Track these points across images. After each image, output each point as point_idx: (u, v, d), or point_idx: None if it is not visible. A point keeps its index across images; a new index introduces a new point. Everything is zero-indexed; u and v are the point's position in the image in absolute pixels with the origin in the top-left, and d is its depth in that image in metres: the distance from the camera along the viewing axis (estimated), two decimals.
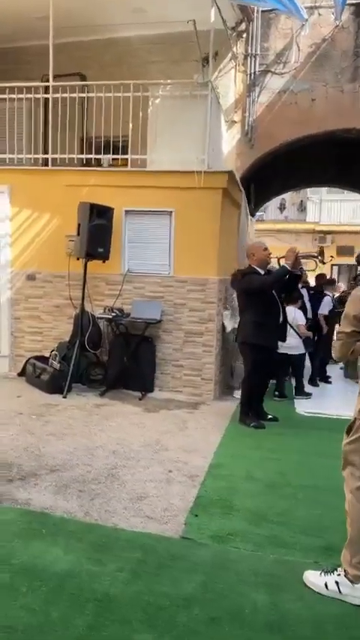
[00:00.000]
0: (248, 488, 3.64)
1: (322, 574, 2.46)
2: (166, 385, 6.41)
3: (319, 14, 7.21)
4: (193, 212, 6.15)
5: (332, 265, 20.42)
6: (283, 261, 4.85)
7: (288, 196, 21.60)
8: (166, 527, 3.02)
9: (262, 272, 5.01)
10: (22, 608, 2.21)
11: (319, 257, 5.19)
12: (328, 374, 8.16)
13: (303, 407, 6.11)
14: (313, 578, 2.47)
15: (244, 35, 7.47)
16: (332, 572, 2.44)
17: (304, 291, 7.54)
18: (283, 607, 2.33)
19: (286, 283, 4.91)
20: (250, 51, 7.47)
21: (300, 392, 6.83)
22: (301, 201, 23.17)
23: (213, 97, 6.29)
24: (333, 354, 2.63)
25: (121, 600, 2.31)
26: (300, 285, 7.72)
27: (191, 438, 4.72)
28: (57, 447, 4.22)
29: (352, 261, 22.28)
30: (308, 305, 7.48)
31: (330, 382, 8.05)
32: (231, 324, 6.55)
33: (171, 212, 6.26)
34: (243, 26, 7.50)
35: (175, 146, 6.24)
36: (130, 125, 6.30)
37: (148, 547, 2.77)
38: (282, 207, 23.06)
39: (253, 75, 7.51)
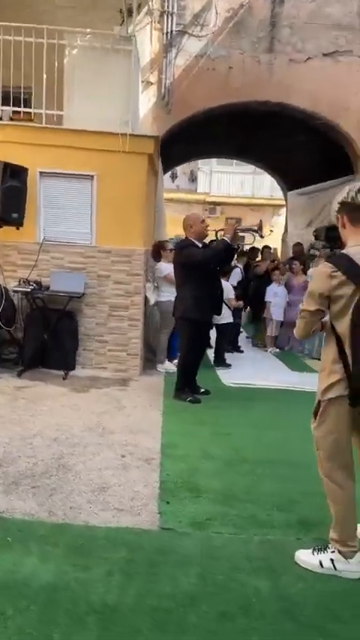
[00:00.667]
0: (208, 467, 3.56)
1: (315, 552, 2.45)
2: (89, 362, 6.08)
3: None
4: (116, 177, 5.77)
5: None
6: (220, 234, 4.74)
7: (179, 165, 21.58)
8: (141, 519, 2.83)
9: (200, 245, 4.86)
10: (16, 635, 1.91)
11: (259, 231, 5.18)
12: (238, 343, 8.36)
13: (228, 378, 6.16)
14: (306, 557, 2.46)
15: None
16: (325, 549, 2.44)
17: None
18: (287, 592, 2.29)
19: (223, 256, 4.83)
20: (166, 8, 7.09)
21: (220, 362, 6.92)
22: (192, 171, 23.28)
23: (135, 54, 5.88)
24: (295, 333, 2.52)
25: (123, 608, 2.10)
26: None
27: (132, 418, 4.52)
28: None
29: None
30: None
31: (242, 351, 8.26)
32: (154, 296, 6.37)
33: (92, 176, 5.82)
34: None
35: (95, 104, 5.75)
36: (45, 76, 5.66)
37: (132, 543, 2.56)
38: (174, 176, 22.93)
39: (169, 34, 7.16)
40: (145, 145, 5.76)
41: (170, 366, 6.48)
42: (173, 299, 6.28)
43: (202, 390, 5.31)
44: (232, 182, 23.18)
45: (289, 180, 11.43)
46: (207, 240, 5.35)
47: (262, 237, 6.74)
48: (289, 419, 4.73)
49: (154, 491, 3.16)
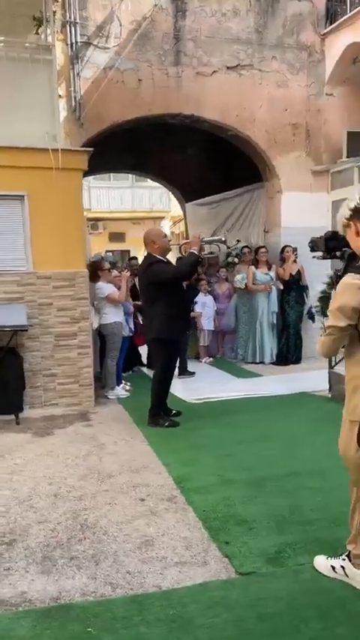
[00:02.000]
0: (236, 494, 3.35)
1: (329, 558, 2.49)
2: (38, 400, 5.51)
3: None
4: (50, 196, 5.31)
5: (106, 251, 20.70)
6: (186, 248, 4.58)
7: None
8: (213, 569, 2.54)
9: (165, 260, 4.64)
10: None
11: (225, 242, 5.07)
12: None
13: (186, 395, 5.96)
14: (321, 561, 2.51)
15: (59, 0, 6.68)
16: (338, 556, 2.46)
17: None
18: None
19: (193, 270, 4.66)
20: (68, 18, 6.73)
21: (184, 371, 6.85)
22: None
23: (55, 64, 5.48)
24: (320, 351, 2.33)
25: None
26: None
27: (122, 456, 4.13)
28: None
29: (124, 247, 23.10)
30: None
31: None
32: (96, 320, 5.98)
33: (22, 196, 5.28)
34: None
35: (13, 118, 5.25)
36: None
37: (227, 600, 2.28)
38: None
39: (74, 45, 6.81)
40: (79, 160, 5.38)
41: (121, 392, 6.14)
42: (118, 320, 6.01)
43: (174, 412, 5.07)
44: (110, 197, 22.95)
45: (188, 191, 11.57)
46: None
47: (228, 247, 6.72)
48: (275, 427, 4.72)
49: (203, 533, 2.88)
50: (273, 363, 7.66)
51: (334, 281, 2.38)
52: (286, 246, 7.64)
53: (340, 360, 5.70)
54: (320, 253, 3.03)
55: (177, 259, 4.77)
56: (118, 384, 6.24)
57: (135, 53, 7.02)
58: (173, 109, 7.31)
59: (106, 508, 3.21)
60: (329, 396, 5.64)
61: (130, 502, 3.29)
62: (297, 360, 7.65)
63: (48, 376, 5.52)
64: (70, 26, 6.77)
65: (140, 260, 5.87)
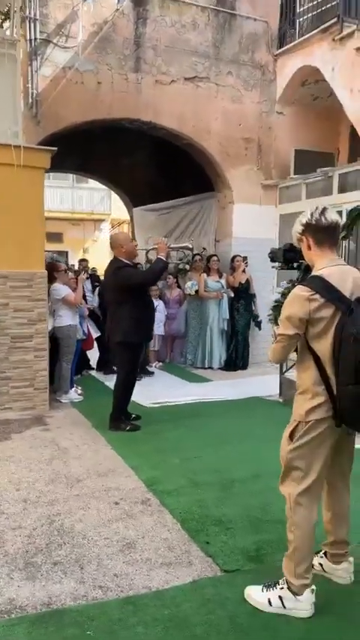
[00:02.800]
0: (210, 496, 3.43)
1: (264, 589, 2.32)
2: None
3: None
4: (10, 194, 5.17)
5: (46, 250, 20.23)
6: (152, 254, 4.63)
7: None
8: (199, 568, 2.61)
9: (131, 264, 4.66)
10: None
11: (191, 249, 5.13)
12: None
13: (143, 399, 5.97)
14: (255, 595, 2.33)
15: None
16: (274, 586, 2.31)
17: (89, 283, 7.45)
18: None
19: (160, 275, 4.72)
20: (28, 13, 6.60)
21: (144, 371, 6.99)
22: None
23: (19, 59, 5.37)
24: (271, 357, 2.40)
25: None
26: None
27: (87, 460, 4.09)
28: None
29: (62, 247, 22.64)
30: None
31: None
32: (50, 322, 5.87)
33: None
34: None
35: None
36: None
37: (218, 597, 2.35)
38: None
39: (33, 42, 6.67)
40: (41, 158, 5.28)
41: (75, 396, 6.06)
42: (73, 323, 5.95)
43: (134, 416, 5.08)
44: (51, 197, 22.46)
45: (135, 196, 11.61)
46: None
47: (194, 254, 6.79)
48: (234, 430, 4.87)
49: (183, 534, 2.94)
50: (221, 369, 7.84)
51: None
52: (236, 256, 7.88)
53: (291, 367, 5.98)
54: (278, 264, 3.21)
55: (135, 264, 4.79)
56: (71, 388, 6.16)
57: (95, 55, 7.00)
58: (132, 114, 7.35)
59: (80, 513, 3.19)
60: (280, 400, 5.88)
61: (104, 506, 3.28)
62: (244, 365, 7.90)
63: (2, 379, 5.34)
64: (29, 22, 6.65)
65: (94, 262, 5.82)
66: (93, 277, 8.27)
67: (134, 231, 11.96)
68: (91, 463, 4.01)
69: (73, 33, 6.86)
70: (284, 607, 2.24)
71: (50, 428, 4.93)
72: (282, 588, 2.28)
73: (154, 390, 6.38)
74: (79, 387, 6.38)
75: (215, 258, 7.97)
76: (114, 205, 23.23)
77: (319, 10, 7.66)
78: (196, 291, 7.83)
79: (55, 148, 5.32)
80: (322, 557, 2.55)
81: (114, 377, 5.15)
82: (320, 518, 2.41)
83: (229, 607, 2.28)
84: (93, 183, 19.62)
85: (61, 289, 5.85)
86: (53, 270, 5.95)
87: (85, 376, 7.40)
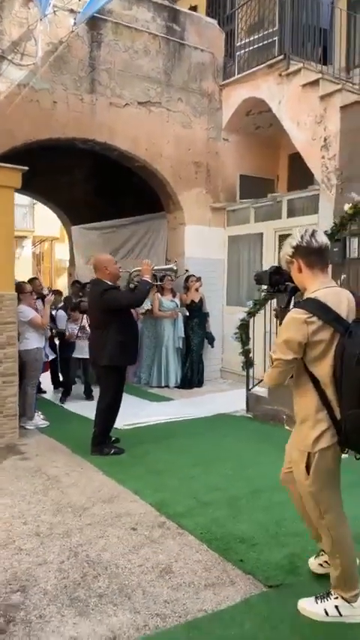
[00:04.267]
0: (221, 514, 3.50)
1: (318, 601, 2.41)
2: None
3: (55, 14, 6.86)
4: None
5: None
6: (134, 275, 4.66)
7: None
8: (244, 586, 2.67)
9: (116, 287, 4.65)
10: None
11: (175, 271, 5.17)
12: None
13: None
14: (310, 607, 2.40)
15: None
16: (327, 596, 2.40)
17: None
18: None
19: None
20: None
21: (89, 395, 7.01)
22: None
23: None
24: (267, 382, 2.38)
25: None
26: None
27: (84, 487, 3.99)
28: None
29: None
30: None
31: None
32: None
33: None
34: None
35: None
36: None
37: (278, 613, 2.42)
38: None
39: None
40: (12, 177, 5.13)
41: (41, 422, 5.86)
42: (40, 346, 5.79)
43: (114, 439, 5.02)
44: None
45: (73, 214, 11.49)
46: None
47: (176, 276, 6.80)
48: (217, 448, 4.97)
49: (213, 555, 2.98)
50: (177, 387, 7.93)
51: (278, 314, 2.58)
52: (190, 275, 8.05)
53: (257, 383, 6.22)
54: (264, 286, 3.29)
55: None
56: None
57: (51, 75, 6.93)
58: (87, 134, 7.33)
59: (101, 542, 3.12)
60: (249, 415, 6.08)
61: (122, 533, 3.24)
62: (200, 383, 8.05)
63: None
64: None
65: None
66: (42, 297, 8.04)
67: (72, 249, 11.82)
68: (89, 490, 3.92)
69: (29, 51, 6.75)
70: (341, 615, 2.34)
71: (29, 456, 4.74)
72: (336, 598, 2.37)
73: (121, 411, 6.30)
74: (40, 412, 6.17)
75: (194, 277, 7.99)
76: (37, 222, 22.71)
77: (257, 46, 8.17)
78: (148, 310, 7.82)
79: (26, 168, 5.20)
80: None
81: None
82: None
83: (289, 621, 2.37)
84: (16, 199, 19.12)
85: (27, 311, 5.67)
86: (18, 291, 5.75)
87: (39, 399, 7.16)
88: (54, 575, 2.74)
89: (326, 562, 2.62)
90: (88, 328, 6.94)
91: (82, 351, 6.89)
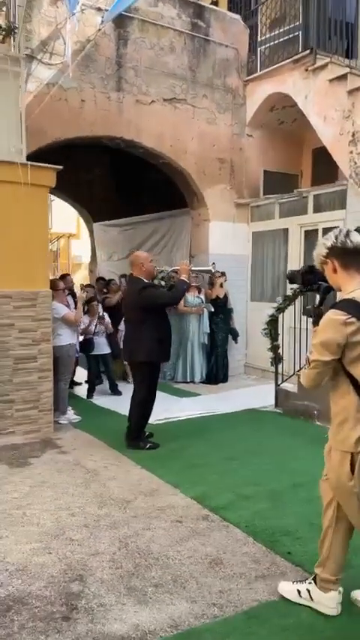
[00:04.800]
0: (263, 507, 3.56)
1: (295, 583, 2.54)
2: None
3: (82, 12, 6.91)
4: (14, 212, 5.05)
5: None
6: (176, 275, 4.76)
7: None
8: (295, 577, 2.71)
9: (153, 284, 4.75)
10: None
11: (212, 271, 5.25)
12: None
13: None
14: (286, 587, 2.55)
15: (4, 9, 6.40)
16: (304, 580, 2.53)
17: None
18: None
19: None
20: (1, 26, 6.46)
21: (115, 390, 7.09)
22: None
23: (24, 76, 5.28)
24: (305, 383, 2.39)
25: None
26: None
27: (123, 480, 4.07)
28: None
29: None
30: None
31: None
32: None
33: None
34: None
35: None
36: None
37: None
38: None
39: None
40: (47, 176, 5.20)
41: (73, 417, 5.96)
42: (73, 342, 5.88)
43: (147, 433, 5.10)
44: None
45: (95, 211, 11.59)
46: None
47: (213, 278, 6.89)
48: (251, 443, 5.02)
49: (260, 547, 3.04)
50: (203, 382, 7.98)
51: (312, 314, 2.54)
52: (215, 271, 8.08)
53: (287, 379, 6.26)
54: (297, 285, 3.24)
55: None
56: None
57: (78, 74, 6.99)
58: (114, 132, 7.39)
59: (148, 533, 3.19)
60: (279, 411, 6.12)
61: (167, 525, 3.31)
62: (225, 378, 8.09)
63: (5, 402, 5.15)
64: (13, 36, 6.52)
65: None
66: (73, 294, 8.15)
67: (94, 246, 11.91)
68: (129, 484, 3.99)
69: (57, 50, 6.82)
70: (312, 599, 2.43)
71: (66, 450, 4.83)
72: (310, 583, 2.47)
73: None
74: (71, 407, 6.27)
75: (193, 274, 8.07)
76: (54, 219, 22.85)
77: (280, 40, 8.16)
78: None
79: (61, 167, 5.27)
80: (310, 582, 2.50)
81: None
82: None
83: (346, 611, 2.41)
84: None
85: (60, 308, 5.76)
86: (52, 289, 5.84)
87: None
88: (108, 565, 2.82)
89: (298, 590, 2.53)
90: (106, 325, 7.04)
91: (101, 347, 6.97)
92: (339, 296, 2.35)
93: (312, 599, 2.44)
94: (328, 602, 2.41)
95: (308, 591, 2.46)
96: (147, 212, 9.85)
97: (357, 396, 2.21)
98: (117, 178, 11.30)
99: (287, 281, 3.40)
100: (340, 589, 2.43)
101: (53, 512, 3.46)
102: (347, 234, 2.27)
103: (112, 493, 3.80)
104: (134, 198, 10.83)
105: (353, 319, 2.16)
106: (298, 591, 2.49)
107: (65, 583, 2.64)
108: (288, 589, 2.54)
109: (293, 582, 2.56)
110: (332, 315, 2.21)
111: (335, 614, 2.39)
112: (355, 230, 2.37)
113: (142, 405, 4.80)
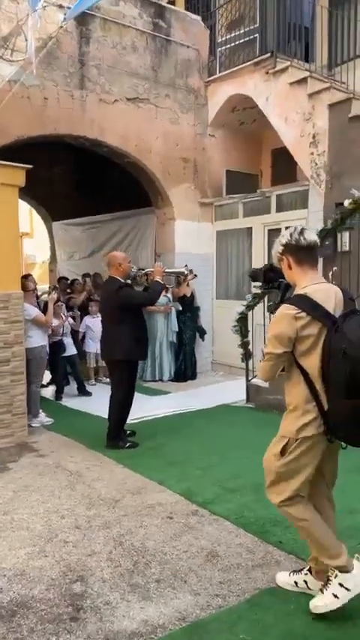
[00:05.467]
0: (247, 499, 3.66)
1: (291, 574, 2.61)
2: None
3: (44, 8, 6.80)
4: None
5: None
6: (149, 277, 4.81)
7: None
8: (289, 566, 2.83)
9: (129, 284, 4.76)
10: None
11: (186, 273, 5.29)
12: None
13: None
14: (283, 578, 2.62)
15: None
16: (299, 571, 2.59)
17: None
18: None
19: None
20: None
21: (83, 391, 7.13)
22: None
23: None
24: (261, 375, 2.50)
25: None
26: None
27: (108, 480, 4.08)
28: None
29: None
30: None
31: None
32: None
33: None
34: None
35: None
36: None
37: None
38: None
39: None
40: (16, 176, 5.11)
41: (45, 419, 5.89)
42: (44, 343, 5.82)
43: (129, 432, 5.12)
44: None
45: (54, 210, 11.43)
46: None
47: (185, 280, 6.88)
48: (227, 438, 5.13)
49: (252, 538, 3.14)
50: (171, 380, 8.05)
51: (273, 310, 2.63)
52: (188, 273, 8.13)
53: (256, 375, 6.41)
54: (259, 283, 3.36)
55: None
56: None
57: (41, 71, 6.86)
58: (78, 130, 7.33)
59: (141, 531, 3.23)
60: (251, 405, 6.27)
61: (159, 522, 3.35)
62: (193, 375, 8.20)
63: None
64: None
65: None
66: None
67: (53, 246, 11.75)
68: (115, 483, 4.01)
69: (18, 47, 6.69)
70: (309, 588, 2.48)
71: (44, 453, 4.78)
72: (306, 574, 2.51)
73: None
74: (41, 410, 6.20)
75: (192, 275, 8.00)
76: None
77: (239, 42, 8.33)
78: None
79: (31, 166, 5.20)
80: (306, 573, 2.57)
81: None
82: None
83: None
84: None
85: (31, 309, 5.69)
86: (21, 289, 5.74)
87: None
88: (106, 564, 2.84)
89: (304, 581, 2.58)
90: (71, 325, 7.02)
91: (69, 349, 6.92)
92: (295, 292, 2.44)
93: (309, 589, 2.50)
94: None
95: (305, 582, 2.52)
96: (109, 211, 9.81)
97: (307, 387, 2.32)
98: (78, 176, 11.18)
99: (250, 279, 3.46)
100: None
101: (42, 516, 3.44)
102: (301, 232, 2.37)
103: (100, 493, 3.81)
104: (97, 197, 10.75)
105: (303, 314, 2.27)
106: (295, 583, 2.55)
107: (67, 585, 2.64)
108: (284, 580, 2.59)
109: (290, 574, 2.62)
110: (284, 310, 2.33)
111: None
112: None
113: (121, 403, 4.81)
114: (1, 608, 2.45)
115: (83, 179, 11.05)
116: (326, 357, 2.24)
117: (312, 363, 2.29)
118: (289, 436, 2.36)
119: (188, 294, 8.19)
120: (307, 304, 2.28)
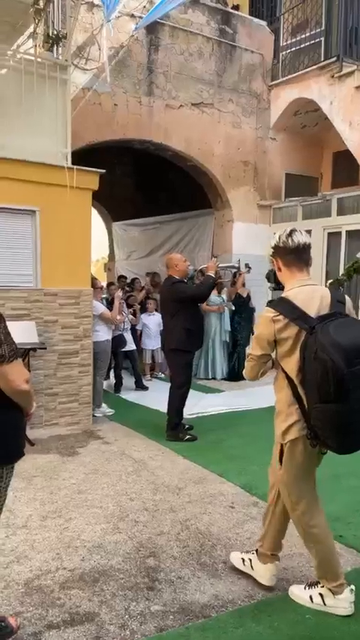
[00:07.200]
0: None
1: (307, 587, 2.53)
2: (38, 420, 5.35)
3: (117, 18, 7.13)
4: (60, 213, 5.29)
5: None
6: (206, 272, 5.06)
7: None
8: (350, 558, 2.96)
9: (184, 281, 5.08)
10: None
11: (238, 268, 5.52)
12: None
13: None
14: (299, 592, 2.53)
15: (43, 14, 6.62)
16: (316, 585, 2.52)
17: None
18: None
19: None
20: (51, 34, 6.68)
21: (141, 385, 7.43)
22: None
23: (70, 84, 5.51)
24: (245, 375, 2.57)
25: None
26: None
27: (171, 469, 4.31)
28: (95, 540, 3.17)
29: None
30: None
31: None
32: None
33: (34, 211, 5.19)
34: (41, 3, 6.62)
35: (30, 132, 5.19)
36: None
37: None
38: None
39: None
40: (91, 180, 5.44)
41: (107, 410, 6.20)
42: (109, 338, 6.13)
43: (187, 426, 5.35)
44: None
45: (114, 211, 11.82)
46: None
47: (239, 274, 7.13)
48: None
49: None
50: (224, 379, 8.22)
51: None
52: (237, 272, 8.32)
53: None
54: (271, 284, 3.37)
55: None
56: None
57: (112, 78, 7.20)
58: (145, 135, 7.63)
59: (205, 517, 3.43)
60: None
61: (222, 510, 3.55)
62: None
63: (49, 395, 5.40)
64: (51, 43, 6.73)
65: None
66: None
67: (112, 245, 12.15)
68: (177, 472, 4.23)
69: (92, 55, 7.04)
70: (325, 604, 2.43)
71: (109, 441, 5.07)
72: (322, 587, 2.46)
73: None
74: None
75: (245, 269, 8.20)
76: None
77: (303, 46, 8.38)
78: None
79: (104, 170, 5.51)
80: (253, 553, 2.68)
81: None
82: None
83: None
84: None
85: (99, 306, 6.00)
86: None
87: None
88: (175, 544, 3.06)
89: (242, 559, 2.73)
90: (130, 321, 7.30)
91: (128, 344, 7.21)
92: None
93: (252, 569, 2.65)
94: (265, 572, 2.59)
95: (250, 561, 2.67)
96: (166, 213, 10.09)
97: (290, 390, 2.31)
98: (137, 178, 11.52)
99: (266, 280, 3.54)
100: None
101: (113, 497, 3.70)
102: (290, 234, 2.36)
103: (163, 481, 4.04)
104: (154, 199, 11.06)
105: (280, 317, 2.26)
106: (242, 560, 2.71)
107: (141, 559, 2.88)
108: (235, 557, 2.76)
109: (241, 552, 2.78)
110: (264, 313, 2.35)
111: (271, 584, 2.58)
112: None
113: (179, 395, 5.05)
114: (84, 574, 2.72)
115: (142, 181, 11.38)
116: (302, 360, 2.21)
117: (291, 365, 2.28)
118: (279, 441, 2.40)
119: (244, 295, 8.33)
120: (285, 307, 2.27)
